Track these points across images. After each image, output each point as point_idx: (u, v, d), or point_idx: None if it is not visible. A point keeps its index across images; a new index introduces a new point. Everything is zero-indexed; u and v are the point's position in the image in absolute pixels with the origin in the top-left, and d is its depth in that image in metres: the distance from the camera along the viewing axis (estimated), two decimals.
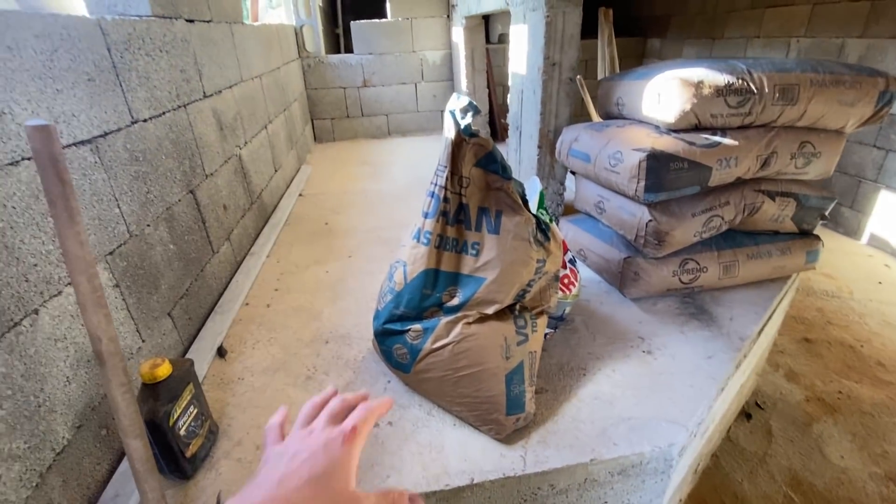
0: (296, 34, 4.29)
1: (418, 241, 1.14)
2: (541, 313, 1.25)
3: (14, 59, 0.92)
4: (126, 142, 1.30)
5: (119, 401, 0.85)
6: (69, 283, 1.02)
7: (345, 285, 1.97)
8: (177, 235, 1.55)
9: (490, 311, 1.11)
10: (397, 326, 1.19)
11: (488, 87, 4.24)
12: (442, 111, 4.82)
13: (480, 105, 4.23)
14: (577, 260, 1.62)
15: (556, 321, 1.48)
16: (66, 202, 0.76)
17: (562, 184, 2.24)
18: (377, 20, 4.48)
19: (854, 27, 3.43)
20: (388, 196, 3.14)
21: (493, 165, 1.12)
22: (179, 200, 1.60)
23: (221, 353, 1.56)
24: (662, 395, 1.24)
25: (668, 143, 1.41)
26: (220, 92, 2.08)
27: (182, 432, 1.03)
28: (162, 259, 1.44)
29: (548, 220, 1.34)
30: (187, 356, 1.50)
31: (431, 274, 1.14)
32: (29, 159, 0.94)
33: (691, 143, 1.41)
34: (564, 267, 1.45)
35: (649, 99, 1.51)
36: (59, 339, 0.98)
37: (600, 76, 2.76)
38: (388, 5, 4.39)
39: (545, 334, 1.34)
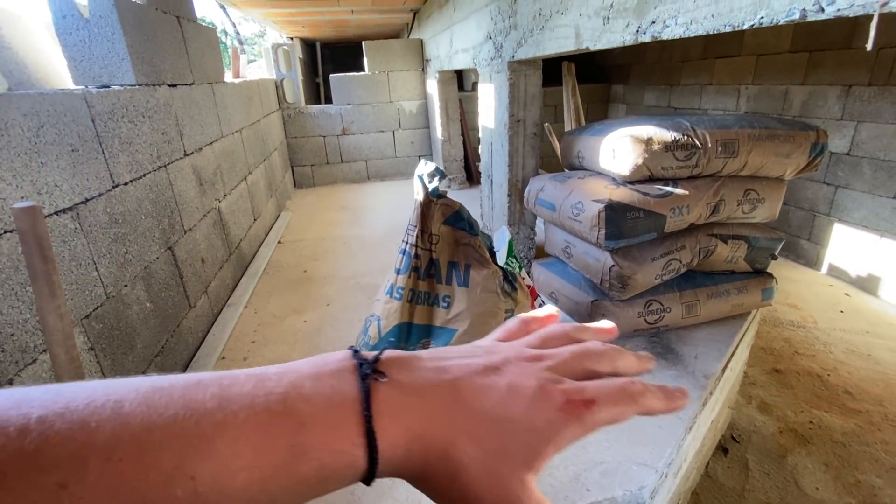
0: (276, 87, 4.45)
1: (391, 296, 1.19)
2: None
3: (2, 139, 0.97)
4: (107, 206, 1.34)
5: None
6: (44, 351, 1.03)
7: (323, 335, 1.99)
8: (154, 293, 1.57)
9: None
10: None
11: (462, 134, 4.44)
12: (420, 156, 5.00)
13: (455, 151, 4.42)
14: (546, 304, 1.68)
15: None
16: (49, 278, 0.80)
17: (532, 229, 2.34)
18: (355, 73, 4.69)
19: (796, 75, 3.76)
20: (367, 242, 3.21)
21: (461, 223, 1.20)
22: (157, 258, 1.62)
23: None
24: (633, 437, 1.28)
25: (624, 195, 1.52)
26: (200, 149, 2.15)
27: None
28: (138, 318, 1.45)
29: (516, 270, 1.41)
30: None
31: (405, 327, 1.18)
32: (10, 231, 0.97)
33: (645, 194, 1.52)
34: None
35: (605, 154, 1.64)
36: None
37: (566, 125, 2.95)
38: (365, 60, 4.62)
39: None
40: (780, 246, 1.78)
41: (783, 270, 3.78)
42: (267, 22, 5.10)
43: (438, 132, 4.33)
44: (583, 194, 1.61)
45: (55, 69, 1.68)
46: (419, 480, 0.24)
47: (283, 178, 4.29)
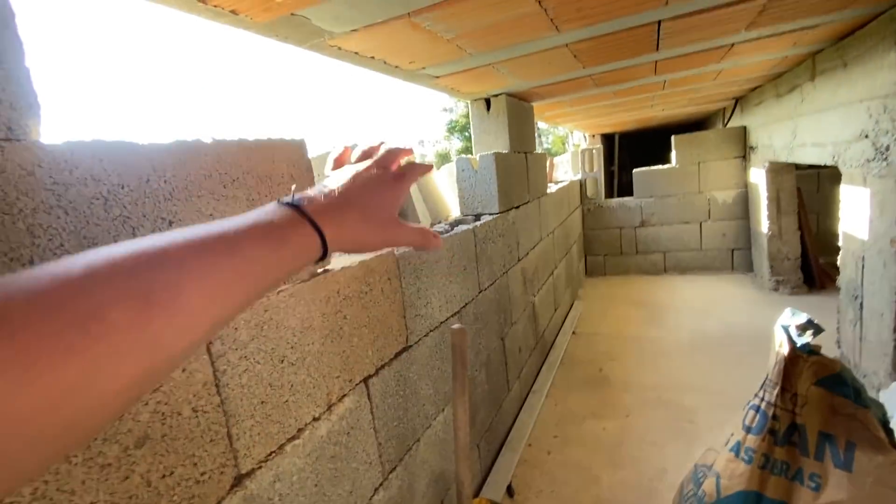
0: (581, 185, 4.89)
1: (737, 455, 1.08)
2: None
3: (437, 266, 1.47)
4: (474, 307, 1.78)
5: None
6: (435, 419, 1.42)
7: (623, 451, 1.93)
8: (490, 377, 1.92)
9: None
10: None
11: (800, 228, 3.65)
12: (732, 250, 4.38)
13: (787, 249, 3.65)
14: None
15: None
16: (463, 380, 1.12)
17: None
18: (660, 167, 4.65)
19: None
20: (668, 348, 2.97)
21: (843, 388, 0.99)
22: (495, 347, 2.00)
23: (510, 491, 1.75)
24: None
25: None
26: (527, 254, 2.58)
27: None
28: (480, 398, 1.80)
29: None
30: (484, 487, 1.75)
31: (753, 497, 1.04)
32: (434, 330, 1.42)
33: None
34: None
35: None
36: (424, 461, 1.35)
37: None
38: (673, 153, 4.53)
39: None
40: None
41: None
42: (573, 127, 5.76)
43: (764, 225, 3.71)
44: None
45: (445, 205, 2.41)
46: (347, 248, 0.43)
47: (578, 268, 4.56)
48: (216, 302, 0.30)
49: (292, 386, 0.84)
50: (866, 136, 1.82)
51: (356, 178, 0.46)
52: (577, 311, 3.91)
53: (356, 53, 1.34)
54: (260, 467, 0.77)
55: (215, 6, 0.90)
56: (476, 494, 1.71)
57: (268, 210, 0.37)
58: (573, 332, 3.45)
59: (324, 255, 0.41)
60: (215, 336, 0.42)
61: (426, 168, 0.55)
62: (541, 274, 2.90)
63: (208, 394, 0.69)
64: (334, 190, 0.43)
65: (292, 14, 0.99)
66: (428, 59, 1.49)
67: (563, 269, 3.72)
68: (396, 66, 1.53)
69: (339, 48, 1.28)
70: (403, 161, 0.53)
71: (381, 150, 0.51)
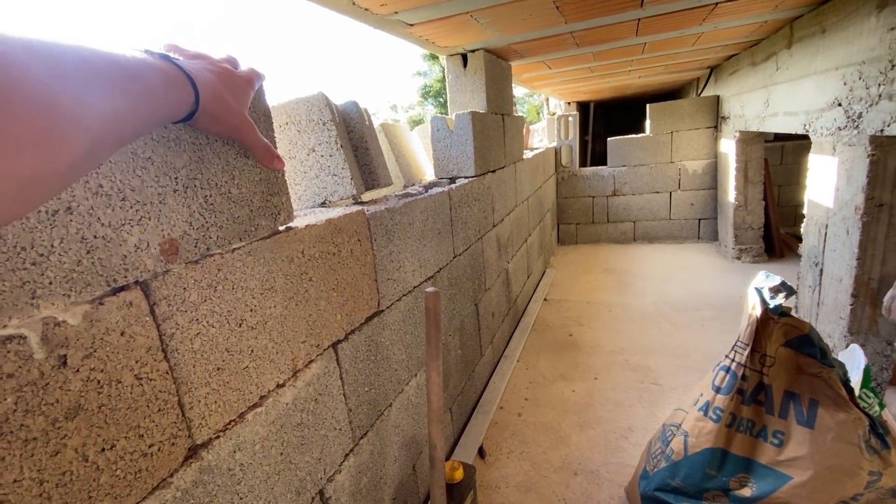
0: (556, 153, 4.85)
1: (706, 414, 1.10)
2: None
3: (410, 229, 1.40)
4: (448, 272, 1.73)
5: (438, 499, 1.08)
6: (408, 384, 1.39)
7: (592, 411, 1.98)
8: (463, 342, 1.91)
9: None
10: (670, 499, 1.13)
11: (765, 199, 3.75)
12: (699, 219, 4.49)
13: (752, 218, 3.76)
14: None
15: None
16: (436, 344, 1.08)
17: (889, 343, 1.74)
18: (635, 136, 4.65)
19: None
20: (635, 313, 3.05)
21: (809, 349, 1.01)
22: (469, 313, 1.97)
23: (482, 453, 1.77)
24: None
25: None
26: (502, 220, 2.53)
27: None
28: (453, 363, 1.78)
29: (876, 409, 1.10)
30: (456, 449, 1.77)
31: (718, 454, 1.06)
32: (406, 295, 1.37)
33: None
34: None
35: None
36: (397, 426, 1.33)
37: None
38: (647, 123, 4.53)
39: None
40: None
41: None
42: (550, 93, 5.66)
43: (731, 195, 3.80)
44: None
45: (420, 167, 2.31)
46: (209, 108, 0.52)
47: (551, 236, 4.58)
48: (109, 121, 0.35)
49: (253, 351, 0.78)
50: (839, 105, 1.83)
51: (213, 64, 0.54)
52: (549, 278, 3.95)
53: None
54: (218, 437, 0.71)
55: None
56: (448, 457, 1.72)
57: (149, 56, 0.42)
58: (545, 299, 3.49)
59: (194, 111, 0.49)
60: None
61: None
62: (515, 241, 2.88)
63: (154, 360, 0.61)
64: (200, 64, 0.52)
65: None
66: (401, 1, 1.37)
67: (537, 237, 3.72)
68: (366, 9, 1.40)
69: None
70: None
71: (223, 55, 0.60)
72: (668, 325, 2.81)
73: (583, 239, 5.10)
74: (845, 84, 1.78)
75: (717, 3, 1.83)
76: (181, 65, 0.46)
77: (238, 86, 0.56)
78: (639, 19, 1.96)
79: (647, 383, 2.16)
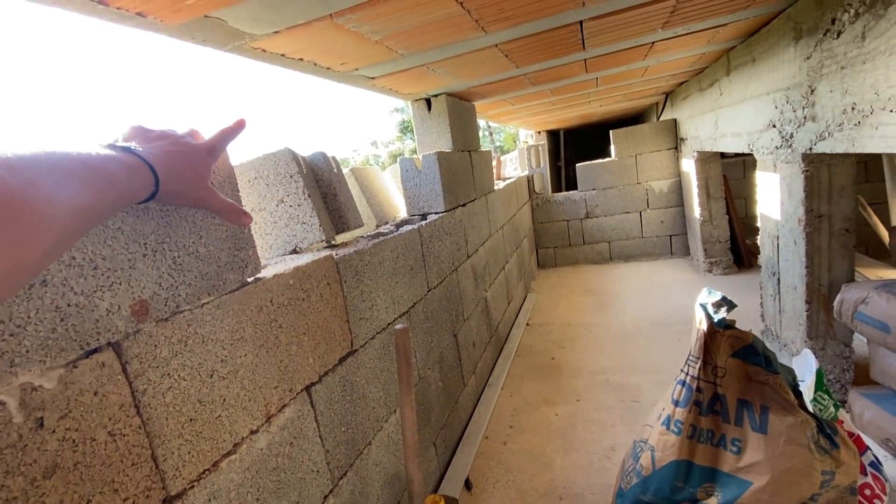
0: (528, 181, 5.02)
1: (668, 427, 1.15)
2: None
3: (381, 268, 1.46)
4: (423, 306, 1.79)
5: None
6: (387, 420, 1.42)
7: (575, 434, 2.01)
8: (444, 374, 1.94)
9: None
10: None
11: (728, 213, 3.93)
12: (671, 236, 4.65)
13: (718, 231, 3.93)
14: (880, 463, 1.27)
15: None
16: (408, 379, 1.13)
17: (846, 346, 1.84)
18: (601, 160, 4.86)
19: None
20: (614, 332, 3.12)
21: (755, 357, 1.09)
22: (448, 345, 2.02)
23: (468, 485, 1.77)
24: None
25: None
26: (476, 250, 2.62)
27: None
28: (434, 396, 1.81)
29: (831, 413, 1.17)
30: (442, 483, 1.77)
31: (684, 466, 1.11)
32: (381, 332, 1.42)
33: None
34: (864, 474, 1.17)
35: None
36: (377, 463, 1.35)
37: (895, 219, 2.27)
38: (612, 148, 4.75)
39: None
40: None
41: None
42: (518, 125, 5.90)
43: (696, 211, 3.97)
44: None
45: (393, 205, 2.40)
46: (171, 188, 0.58)
47: (530, 261, 4.68)
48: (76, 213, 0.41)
49: (225, 400, 0.81)
50: (774, 126, 1.99)
51: (174, 143, 0.60)
52: (530, 302, 4.02)
53: (283, 55, 1.31)
54: (192, 487, 0.74)
55: (119, 7, 0.85)
56: (435, 491, 1.72)
57: (112, 150, 0.49)
58: (527, 324, 3.55)
59: (155, 192, 0.56)
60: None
61: (232, 128, 0.70)
62: (492, 269, 2.96)
63: (126, 416, 0.65)
64: (157, 149, 0.57)
65: (206, 16, 0.95)
66: (359, 60, 1.48)
67: (515, 263, 3.81)
68: (328, 68, 1.51)
69: (264, 50, 1.24)
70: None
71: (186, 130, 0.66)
72: (646, 341, 2.88)
73: (562, 261, 5.22)
74: (776, 107, 1.95)
75: (653, 42, 2.00)
76: (140, 154, 0.53)
77: (197, 159, 0.62)
78: (585, 60, 2.12)
79: (628, 401, 2.21)
